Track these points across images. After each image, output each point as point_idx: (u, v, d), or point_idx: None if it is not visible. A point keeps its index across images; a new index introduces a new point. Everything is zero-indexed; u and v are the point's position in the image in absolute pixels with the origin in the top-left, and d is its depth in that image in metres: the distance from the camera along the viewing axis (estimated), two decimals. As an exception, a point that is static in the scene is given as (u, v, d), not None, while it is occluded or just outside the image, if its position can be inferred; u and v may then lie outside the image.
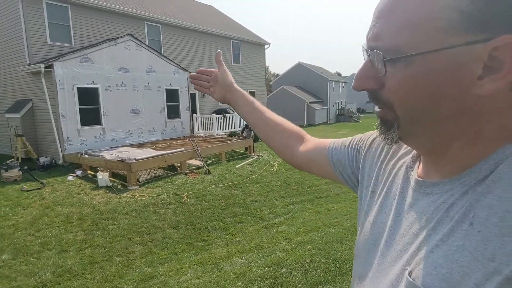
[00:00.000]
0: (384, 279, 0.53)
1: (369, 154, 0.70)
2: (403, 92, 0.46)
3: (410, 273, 0.46)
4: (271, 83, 42.92)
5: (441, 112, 0.46)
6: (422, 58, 0.43)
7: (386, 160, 0.65)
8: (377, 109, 0.53)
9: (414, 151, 0.60)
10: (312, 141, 0.90)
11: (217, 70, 1.00)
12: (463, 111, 0.45)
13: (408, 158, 0.60)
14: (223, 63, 1.00)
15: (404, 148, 0.63)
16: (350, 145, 0.77)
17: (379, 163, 0.67)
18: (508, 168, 0.42)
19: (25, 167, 8.65)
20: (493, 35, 0.40)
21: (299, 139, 0.92)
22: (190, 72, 13.62)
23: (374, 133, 0.72)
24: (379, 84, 0.49)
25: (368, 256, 0.59)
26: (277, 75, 56.34)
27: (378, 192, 0.63)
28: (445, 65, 0.43)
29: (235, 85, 1.00)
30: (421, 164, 0.56)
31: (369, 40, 0.49)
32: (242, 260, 4.54)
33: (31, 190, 7.43)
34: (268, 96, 28.99)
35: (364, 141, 0.74)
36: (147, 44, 12.81)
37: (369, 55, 0.49)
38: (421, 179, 0.54)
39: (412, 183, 0.55)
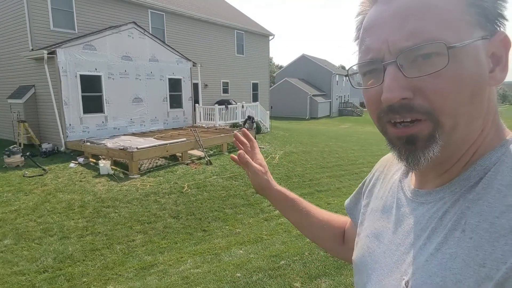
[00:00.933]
0: None
1: (369, 182, 0.72)
2: (451, 90, 0.43)
3: (407, 283, 0.47)
4: (274, 74, 42.68)
5: (476, 111, 0.46)
6: (463, 51, 0.43)
7: (382, 179, 0.67)
8: (402, 129, 0.46)
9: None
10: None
11: (253, 142, 0.89)
12: (486, 108, 0.46)
13: (400, 171, 0.62)
14: (250, 162, 0.84)
15: (395, 165, 0.65)
16: (358, 189, 0.77)
17: (377, 183, 0.69)
18: (496, 174, 0.44)
19: (28, 153, 8.68)
20: (494, 30, 0.45)
21: (343, 231, 0.86)
22: (193, 62, 13.61)
23: (372, 171, 0.74)
24: (413, 91, 0.44)
25: (366, 269, 0.59)
26: (281, 66, 55.99)
27: (375, 207, 0.64)
28: (477, 57, 0.44)
29: (272, 185, 0.86)
30: (414, 175, 0.57)
31: (396, 43, 0.44)
32: (241, 251, 4.58)
33: (33, 176, 7.47)
34: (271, 87, 28.85)
35: (367, 178, 0.75)
36: (150, 32, 12.72)
37: (394, 61, 0.44)
38: (416, 189, 0.54)
39: (408, 193, 0.56)
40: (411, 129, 0.46)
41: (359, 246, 0.63)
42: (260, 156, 0.88)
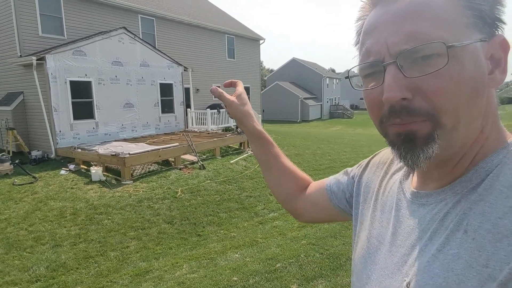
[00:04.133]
0: None
1: (364, 174, 0.71)
2: (451, 90, 0.43)
3: (408, 285, 0.46)
4: (265, 78, 42.83)
5: (477, 111, 0.46)
6: (462, 51, 0.43)
7: (381, 176, 0.66)
8: (402, 126, 0.46)
9: (405, 167, 0.60)
10: (313, 184, 0.87)
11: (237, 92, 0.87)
12: (485, 109, 0.47)
13: (401, 172, 0.61)
14: (224, 95, 0.85)
15: (397, 164, 0.64)
16: (346, 172, 0.79)
17: (375, 180, 0.67)
18: (497, 176, 0.44)
19: (17, 161, 8.54)
20: (493, 33, 0.46)
21: (305, 187, 0.88)
22: (184, 67, 13.59)
23: (371, 157, 0.74)
24: (412, 92, 0.44)
25: (365, 270, 0.58)
26: (272, 70, 56.20)
27: (374, 207, 0.64)
28: (476, 58, 0.45)
29: (250, 119, 0.87)
30: (415, 177, 0.57)
31: (395, 46, 0.45)
32: (237, 255, 4.57)
33: (23, 184, 7.34)
34: (262, 91, 28.95)
35: (360, 165, 0.75)
36: (141, 37, 12.66)
37: (394, 62, 0.45)
38: (416, 190, 0.54)
39: (408, 195, 0.56)
40: (410, 125, 0.46)
41: (359, 247, 0.63)
42: (241, 90, 0.88)
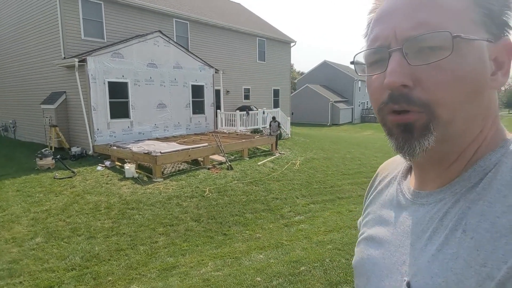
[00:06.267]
0: None
1: (370, 190, 0.72)
2: (451, 83, 0.43)
3: (408, 284, 0.47)
4: (295, 81, 42.58)
5: (475, 109, 0.46)
6: (467, 45, 0.43)
7: (378, 181, 0.68)
8: (400, 116, 0.47)
9: (402, 168, 0.62)
10: None
11: None
12: (486, 107, 0.47)
13: (398, 174, 0.62)
14: None
15: (394, 167, 0.66)
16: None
17: (376, 188, 0.69)
18: (495, 175, 0.44)
19: (58, 156, 9.09)
20: (499, 36, 0.46)
21: None
22: (216, 69, 13.85)
23: (370, 183, 0.74)
24: (413, 81, 0.45)
25: (365, 271, 0.59)
26: (302, 73, 55.80)
27: (374, 211, 0.64)
28: (481, 56, 0.45)
29: None
30: (413, 177, 0.57)
31: (403, 32, 0.45)
32: (261, 256, 4.59)
33: (63, 178, 7.81)
34: (292, 94, 28.84)
35: (367, 191, 0.75)
36: (175, 40, 13.08)
37: (400, 49, 0.45)
38: (415, 191, 0.54)
39: (407, 195, 0.56)
40: (408, 117, 0.46)
41: (358, 250, 0.63)
42: None
